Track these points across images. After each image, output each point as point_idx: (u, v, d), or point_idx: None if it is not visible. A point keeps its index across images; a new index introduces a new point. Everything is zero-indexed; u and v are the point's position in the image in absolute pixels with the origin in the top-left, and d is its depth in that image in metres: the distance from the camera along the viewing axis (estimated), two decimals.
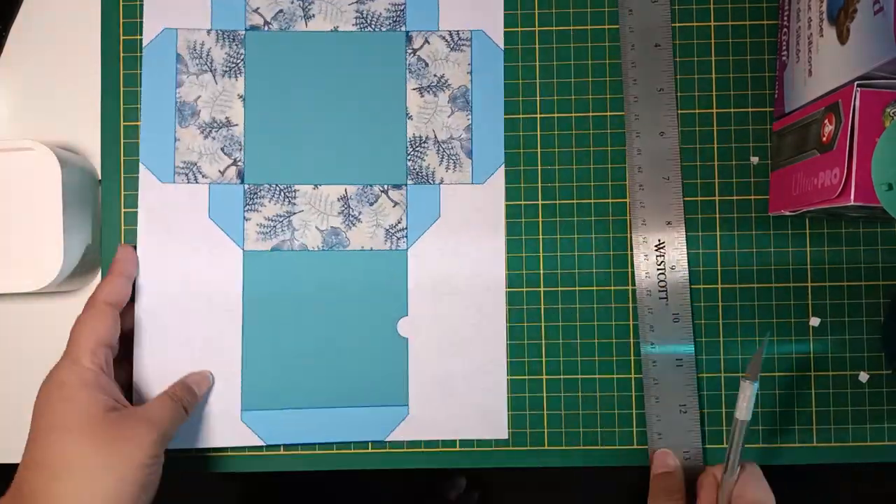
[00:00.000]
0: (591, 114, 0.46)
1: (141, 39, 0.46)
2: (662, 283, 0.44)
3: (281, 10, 0.46)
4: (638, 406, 0.45)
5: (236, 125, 0.46)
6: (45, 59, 0.48)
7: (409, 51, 0.46)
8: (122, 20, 0.47)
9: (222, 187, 0.46)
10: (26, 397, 0.47)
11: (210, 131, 0.46)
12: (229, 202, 0.46)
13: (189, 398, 0.43)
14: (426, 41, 0.46)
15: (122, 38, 0.47)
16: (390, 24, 0.46)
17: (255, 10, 0.46)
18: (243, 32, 0.46)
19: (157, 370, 0.44)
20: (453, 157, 0.46)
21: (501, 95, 0.46)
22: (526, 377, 0.46)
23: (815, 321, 0.45)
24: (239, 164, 0.46)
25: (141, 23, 0.46)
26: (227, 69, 0.46)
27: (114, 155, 0.46)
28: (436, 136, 0.46)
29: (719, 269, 0.46)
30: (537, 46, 0.46)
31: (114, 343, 0.41)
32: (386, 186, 0.46)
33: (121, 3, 0.47)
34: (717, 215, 0.46)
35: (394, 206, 0.46)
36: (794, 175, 0.42)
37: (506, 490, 1.08)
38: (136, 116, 0.46)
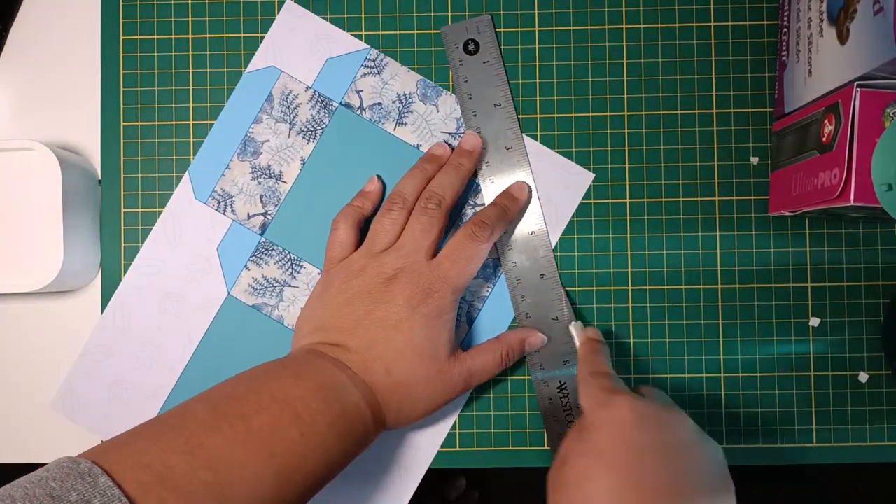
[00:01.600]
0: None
1: (141, 40, 0.46)
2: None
3: (379, 104, 0.46)
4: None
5: (285, 182, 0.46)
6: (45, 59, 0.48)
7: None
8: (122, 20, 0.47)
9: (242, 229, 0.46)
10: (26, 397, 0.47)
11: (260, 176, 0.46)
12: (240, 245, 0.46)
13: (517, 356, 0.44)
14: (359, 91, 0.46)
15: (122, 37, 0.47)
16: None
17: (357, 92, 0.46)
18: (336, 105, 0.46)
19: (94, 361, 0.46)
20: None
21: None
22: (526, 377, 0.46)
23: (815, 321, 0.45)
24: (268, 216, 0.46)
25: (142, 23, 0.47)
26: (304, 129, 0.46)
27: (114, 155, 0.46)
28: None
29: (719, 269, 0.46)
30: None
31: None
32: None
33: (121, 3, 0.47)
34: (717, 215, 0.46)
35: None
36: (793, 175, 0.42)
37: (506, 490, 1.08)
38: (136, 116, 0.47)
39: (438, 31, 0.46)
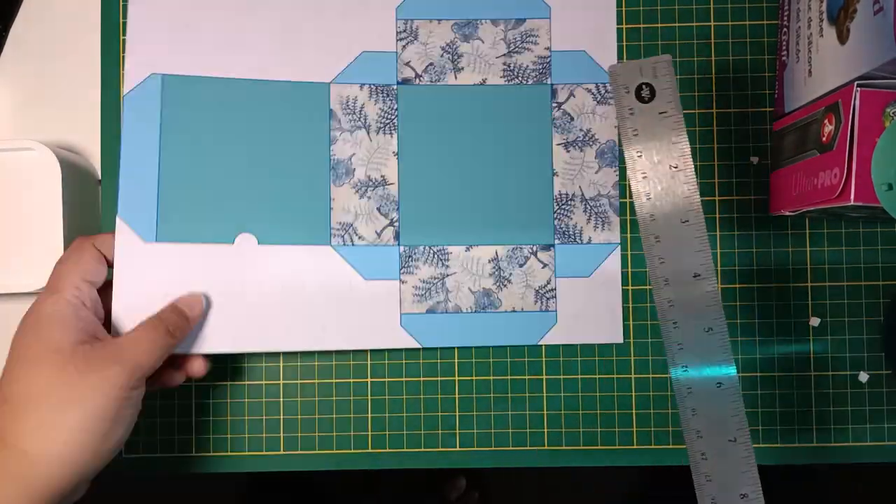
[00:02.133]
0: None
1: None
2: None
3: (431, 63, 0.45)
4: (638, 406, 0.45)
5: (392, 184, 0.45)
6: (45, 59, 0.48)
7: (555, 104, 0.45)
8: (122, 20, 0.47)
9: (378, 249, 0.45)
10: None
11: (366, 190, 0.45)
12: (385, 264, 0.45)
13: (179, 321, 0.40)
14: (571, 94, 0.45)
15: (122, 37, 0.47)
16: (536, 76, 0.45)
17: (406, 64, 0.45)
18: (395, 87, 0.45)
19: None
20: (601, 216, 0.45)
21: None
22: (526, 377, 0.46)
23: (815, 321, 0.45)
24: (395, 224, 0.45)
25: None
26: (382, 125, 0.45)
27: (114, 155, 0.46)
28: (583, 194, 0.45)
29: (719, 269, 0.46)
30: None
31: (97, 279, 0.40)
32: (535, 248, 0.45)
33: (121, 3, 0.47)
34: (717, 215, 0.46)
35: (542, 269, 0.45)
36: (794, 175, 0.42)
37: (506, 490, 1.08)
38: None
39: None
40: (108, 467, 0.47)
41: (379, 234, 0.45)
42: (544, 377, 0.46)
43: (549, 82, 0.45)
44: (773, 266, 0.46)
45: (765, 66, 0.46)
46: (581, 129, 0.45)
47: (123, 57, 0.46)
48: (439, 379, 0.46)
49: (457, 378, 0.46)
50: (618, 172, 0.45)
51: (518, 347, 0.46)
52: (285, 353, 0.46)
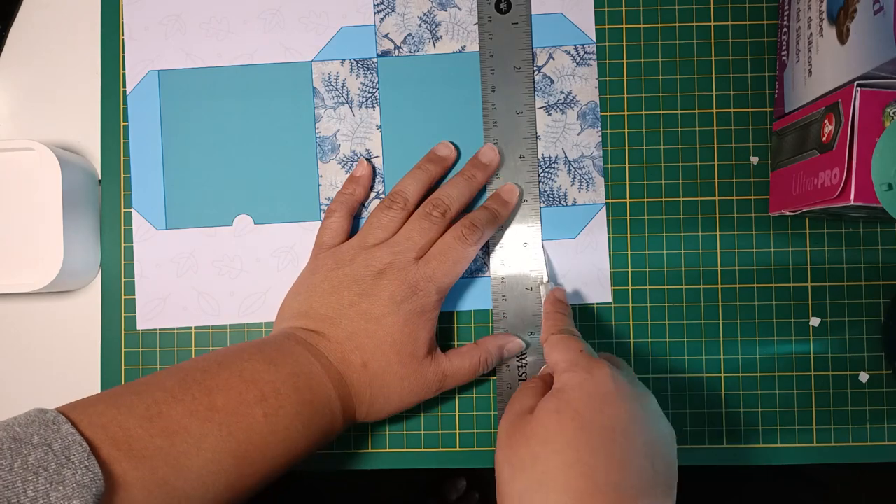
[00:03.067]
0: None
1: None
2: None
3: (409, 34, 0.46)
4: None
5: (376, 157, 0.46)
6: (45, 59, 0.48)
7: (534, 68, 0.46)
8: (122, 20, 0.47)
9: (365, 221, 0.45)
10: (26, 397, 0.47)
11: (351, 165, 0.46)
12: None
13: (495, 362, 0.44)
14: (551, 57, 0.46)
15: (122, 37, 0.47)
16: None
17: (385, 36, 0.46)
18: (375, 60, 0.46)
19: None
20: (585, 177, 0.45)
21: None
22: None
23: (815, 321, 0.45)
24: (381, 196, 0.46)
25: None
26: (364, 99, 0.46)
27: (114, 155, 0.46)
28: (566, 156, 0.46)
29: (719, 269, 0.46)
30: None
31: None
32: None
33: (121, 3, 0.47)
34: (717, 215, 0.46)
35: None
36: (794, 175, 0.42)
37: None
38: None
39: None
40: None
41: (366, 206, 0.46)
42: None
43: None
44: (773, 266, 0.46)
45: (765, 66, 0.46)
46: (562, 92, 0.46)
47: (123, 57, 0.46)
48: None
49: None
50: (600, 133, 0.45)
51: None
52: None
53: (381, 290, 0.40)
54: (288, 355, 0.38)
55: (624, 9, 0.46)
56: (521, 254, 0.45)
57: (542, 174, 0.45)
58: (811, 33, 0.40)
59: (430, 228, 0.41)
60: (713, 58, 0.46)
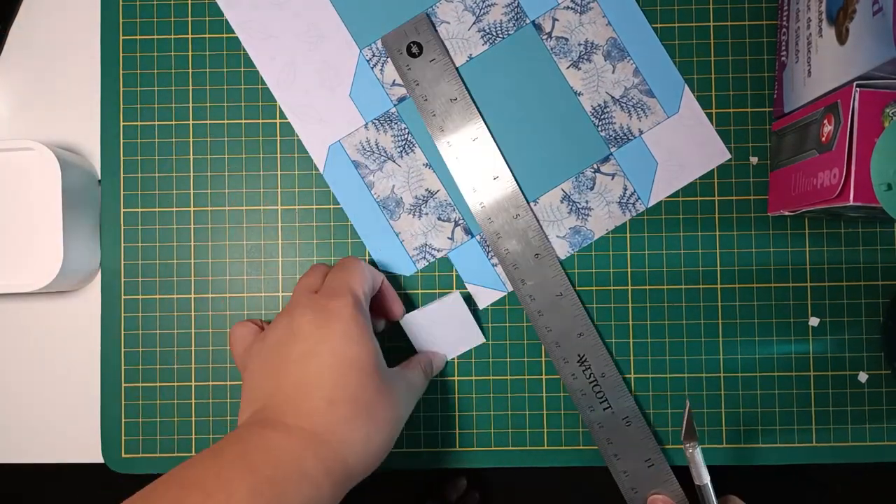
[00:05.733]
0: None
1: (140, 40, 0.46)
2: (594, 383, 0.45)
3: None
4: (638, 406, 0.45)
5: (438, 190, 0.46)
6: (45, 59, 0.48)
7: (545, 36, 0.46)
8: (121, 20, 0.47)
9: (459, 251, 0.46)
10: (26, 397, 0.47)
11: (419, 210, 0.46)
12: (473, 259, 0.46)
13: (433, 369, 0.44)
14: (554, 20, 0.46)
15: (121, 37, 0.47)
16: (513, 24, 0.46)
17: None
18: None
19: None
20: (639, 106, 0.46)
21: (646, 23, 0.46)
22: (525, 377, 0.46)
23: (814, 321, 0.45)
24: (460, 222, 0.46)
25: (142, 23, 0.47)
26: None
27: (114, 155, 0.46)
28: (613, 97, 0.46)
29: (719, 269, 0.46)
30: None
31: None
32: (596, 165, 0.46)
33: (120, 3, 0.47)
34: (717, 215, 0.46)
35: (613, 179, 0.46)
36: (793, 175, 0.42)
37: (506, 490, 1.08)
38: (136, 116, 0.47)
39: None
40: (106, 469, 0.47)
41: (451, 238, 0.46)
42: (543, 377, 0.46)
43: (528, 22, 0.46)
44: (773, 266, 0.46)
45: (765, 66, 0.46)
46: (580, 45, 0.46)
47: (123, 57, 0.46)
48: (439, 379, 0.46)
49: (457, 378, 0.46)
50: (632, 61, 0.45)
51: (519, 346, 0.46)
52: None
53: (300, 327, 0.37)
54: (235, 443, 0.33)
55: None
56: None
57: (599, 124, 0.46)
58: (810, 34, 0.40)
59: (318, 269, 0.41)
60: (713, 58, 0.46)
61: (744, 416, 0.45)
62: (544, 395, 0.46)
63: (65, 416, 0.47)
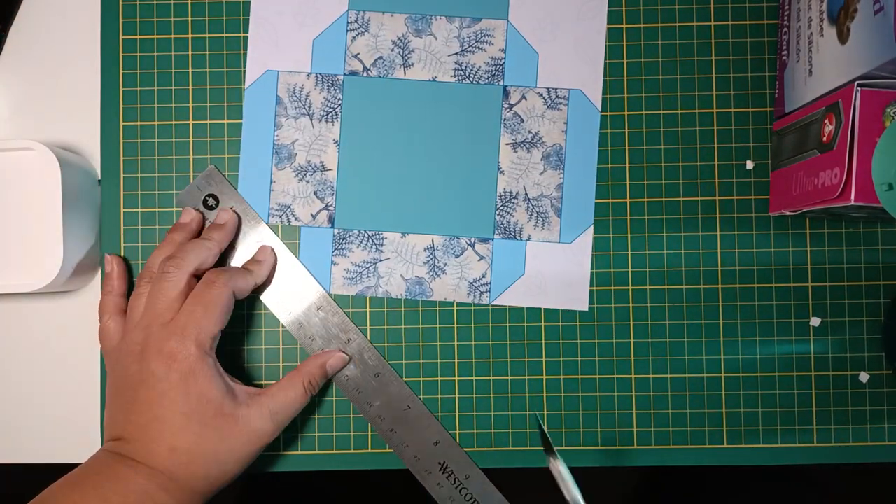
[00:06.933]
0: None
1: (140, 40, 0.46)
2: None
3: (381, 57, 0.46)
4: (638, 406, 0.45)
5: (330, 170, 0.46)
6: (45, 59, 0.48)
7: (506, 105, 0.46)
8: (121, 20, 0.47)
9: (313, 230, 0.46)
10: (26, 397, 0.47)
11: (304, 175, 0.46)
12: (319, 246, 0.46)
13: (320, 382, 0.44)
14: (523, 97, 0.46)
15: (121, 37, 0.47)
16: (489, 77, 0.46)
17: (355, 56, 0.46)
18: (342, 77, 0.46)
19: None
20: (542, 215, 0.46)
21: (595, 157, 0.46)
22: (526, 377, 0.46)
23: (815, 321, 0.45)
24: (330, 208, 0.46)
25: (142, 23, 0.47)
26: (325, 113, 0.46)
27: (114, 155, 0.46)
28: (526, 193, 0.46)
29: (719, 269, 0.46)
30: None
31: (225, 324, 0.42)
32: (473, 239, 0.46)
33: (120, 3, 0.47)
34: (717, 215, 0.46)
35: (479, 260, 0.46)
36: (794, 175, 0.42)
37: (506, 490, 1.08)
38: (136, 116, 0.46)
39: None
40: None
41: (314, 217, 0.46)
42: (544, 377, 0.46)
43: (501, 84, 0.46)
44: (774, 266, 0.45)
45: (765, 66, 0.46)
46: (530, 131, 0.46)
47: (123, 57, 0.46)
48: (439, 379, 0.46)
49: (457, 378, 0.46)
50: (562, 175, 0.46)
51: (519, 346, 0.46)
52: (286, 354, 0.46)
53: (148, 372, 0.39)
54: (94, 474, 0.38)
55: (624, 9, 0.46)
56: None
57: (500, 207, 0.46)
58: (811, 33, 0.40)
59: (168, 287, 0.41)
60: (713, 58, 0.46)
61: (744, 416, 0.45)
62: (545, 395, 0.46)
63: (65, 416, 0.47)
